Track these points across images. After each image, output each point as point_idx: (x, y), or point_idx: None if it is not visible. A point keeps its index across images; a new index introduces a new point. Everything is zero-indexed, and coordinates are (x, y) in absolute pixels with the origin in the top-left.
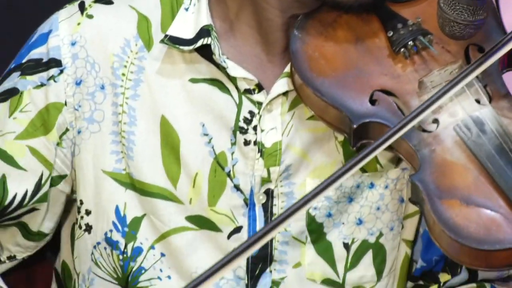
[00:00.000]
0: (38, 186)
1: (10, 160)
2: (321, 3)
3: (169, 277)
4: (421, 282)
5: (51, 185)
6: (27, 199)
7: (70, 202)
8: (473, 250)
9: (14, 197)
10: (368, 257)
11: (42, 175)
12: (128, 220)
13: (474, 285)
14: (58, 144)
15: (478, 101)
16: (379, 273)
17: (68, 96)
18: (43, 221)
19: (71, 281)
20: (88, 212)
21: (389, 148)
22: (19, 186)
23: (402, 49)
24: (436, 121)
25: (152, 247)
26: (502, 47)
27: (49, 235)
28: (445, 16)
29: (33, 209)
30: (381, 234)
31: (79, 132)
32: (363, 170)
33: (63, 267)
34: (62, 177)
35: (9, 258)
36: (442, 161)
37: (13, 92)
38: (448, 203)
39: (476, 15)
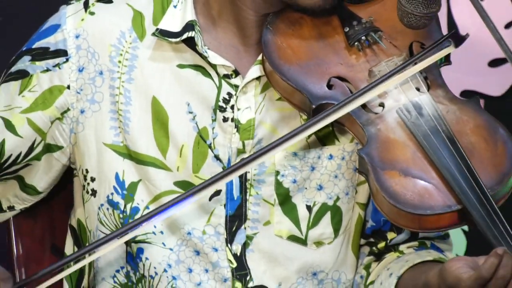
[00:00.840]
0: (31, 149)
1: (12, 129)
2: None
3: (161, 232)
4: (371, 240)
5: (48, 151)
6: (20, 158)
7: (75, 170)
8: (409, 214)
9: (9, 157)
10: (327, 218)
11: (35, 140)
12: (126, 185)
13: (416, 243)
14: (59, 119)
15: (418, 89)
16: (336, 231)
17: (71, 81)
18: (36, 176)
19: (86, 236)
20: (93, 179)
21: (342, 125)
22: (14, 149)
23: (356, 43)
24: (382, 104)
25: (147, 207)
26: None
27: (43, 193)
28: (404, 9)
29: (27, 165)
30: (338, 198)
31: (82, 111)
32: (323, 143)
33: (79, 224)
34: (58, 148)
35: (9, 208)
36: (386, 138)
37: (24, 74)
38: (389, 174)
39: (430, 8)
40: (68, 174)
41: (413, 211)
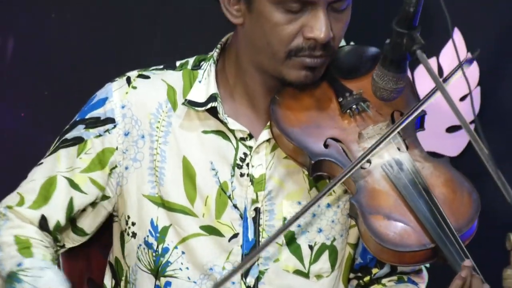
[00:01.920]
0: (93, 204)
1: (76, 187)
2: None
3: (187, 268)
4: (359, 274)
5: (102, 200)
6: (79, 212)
7: (116, 217)
8: (391, 251)
9: (77, 211)
10: (325, 255)
11: (97, 197)
12: (159, 228)
13: (395, 277)
14: (109, 175)
15: (399, 149)
16: (333, 266)
17: (119, 143)
18: (86, 221)
19: (123, 271)
20: (133, 224)
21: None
22: (81, 205)
23: (348, 111)
24: (369, 161)
25: (175, 247)
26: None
27: (89, 235)
28: (377, 84)
29: (83, 209)
30: (334, 239)
31: (126, 168)
32: None
33: (116, 261)
34: (106, 197)
35: (61, 247)
36: (372, 189)
37: (80, 140)
38: (375, 218)
39: (398, 84)
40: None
41: (394, 248)
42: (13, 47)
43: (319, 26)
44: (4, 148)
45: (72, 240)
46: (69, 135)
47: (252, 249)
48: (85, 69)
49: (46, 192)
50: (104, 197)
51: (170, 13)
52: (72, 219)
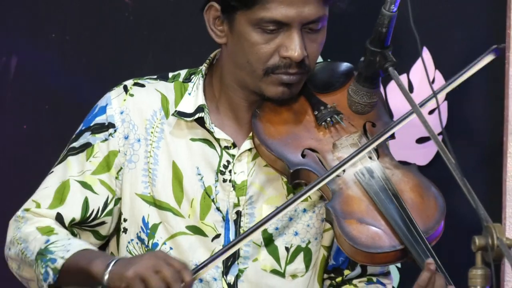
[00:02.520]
0: (106, 204)
1: (89, 188)
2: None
3: None
4: (332, 275)
5: (115, 205)
6: (99, 213)
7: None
8: (363, 252)
9: (92, 212)
10: (300, 256)
11: (108, 197)
12: (150, 225)
13: (365, 278)
14: (116, 177)
15: (370, 158)
16: (307, 267)
17: (120, 146)
18: (109, 229)
19: None
20: (125, 220)
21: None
22: (94, 204)
23: (323, 123)
24: (343, 170)
25: (164, 243)
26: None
27: (106, 237)
28: (352, 99)
29: (103, 222)
30: (309, 242)
31: (121, 168)
32: None
33: (111, 255)
34: (119, 199)
35: None
36: (346, 195)
37: (88, 145)
38: (349, 222)
39: (371, 98)
40: None
41: (367, 250)
42: (16, 64)
43: (293, 46)
44: (7, 157)
45: (94, 244)
46: (76, 144)
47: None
48: (82, 86)
49: (61, 195)
50: (118, 200)
51: (162, 32)
52: (90, 225)
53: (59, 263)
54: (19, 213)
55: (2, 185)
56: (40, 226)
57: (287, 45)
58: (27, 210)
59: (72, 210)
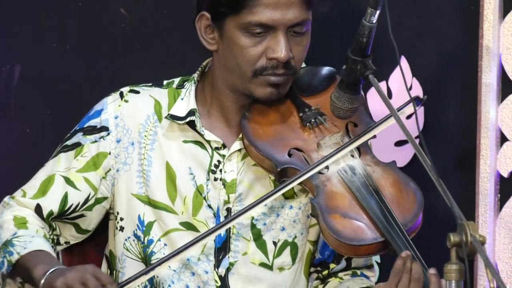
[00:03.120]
0: (86, 200)
1: (71, 184)
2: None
3: None
4: (318, 268)
5: (97, 202)
6: (78, 207)
7: (112, 215)
8: (347, 245)
9: (70, 206)
10: (287, 250)
11: (89, 194)
12: (145, 223)
13: (350, 271)
14: (103, 177)
15: (352, 156)
16: (294, 260)
17: (111, 149)
18: (88, 222)
19: (115, 261)
20: (122, 219)
21: (300, 182)
22: (74, 199)
23: (308, 124)
24: (327, 167)
25: (159, 239)
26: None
27: (89, 232)
28: (335, 105)
29: (82, 215)
30: (295, 237)
31: (117, 170)
32: (285, 197)
33: (110, 254)
34: (104, 198)
35: (66, 243)
36: (330, 191)
37: (78, 145)
38: (333, 216)
39: (353, 104)
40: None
41: (350, 242)
42: (20, 72)
43: (279, 47)
44: (11, 159)
45: (76, 238)
46: (69, 142)
47: (224, 244)
48: (82, 92)
49: (45, 187)
50: (101, 199)
51: (156, 42)
52: (70, 217)
53: (15, 257)
54: (6, 199)
55: (6, 185)
56: (17, 215)
57: (274, 47)
58: (13, 197)
59: (51, 203)
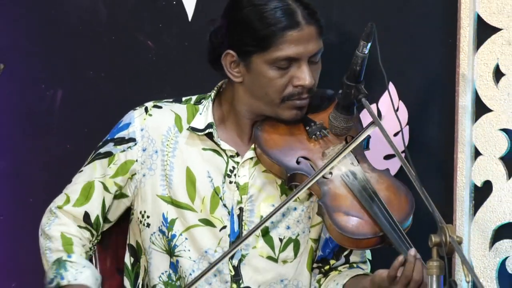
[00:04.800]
0: (114, 196)
1: (106, 189)
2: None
3: (189, 250)
4: (320, 264)
5: (121, 197)
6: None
7: (133, 210)
8: (350, 238)
9: (108, 207)
10: (291, 246)
11: (116, 191)
12: (169, 220)
13: (347, 265)
14: (129, 178)
15: (352, 164)
16: (296, 254)
17: (138, 157)
18: (114, 215)
19: (141, 251)
20: (148, 217)
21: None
22: (108, 201)
23: (313, 136)
24: (331, 173)
25: (181, 234)
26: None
27: (111, 223)
28: (332, 124)
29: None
30: (298, 234)
31: (144, 175)
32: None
33: (137, 244)
34: (126, 196)
35: (97, 239)
36: (334, 193)
37: (110, 154)
38: (337, 214)
39: (348, 123)
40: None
41: (352, 236)
42: (61, 96)
43: (304, 75)
44: (54, 171)
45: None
46: (102, 150)
47: (237, 238)
48: (114, 112)
49: (87, 193)
50: (124, 195)
51: (177, 69)
52: (106, 215)
53: (64, 283)
54: (52, 208)
55: (49, 195)
56: (65, 233)
57: (299, 76)
58: (59, 207)
59: (96, 208)
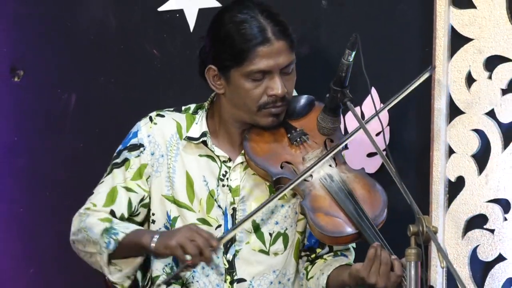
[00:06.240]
0: (142, 199)
1: (131, 191)
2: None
3: None
4: (307, 253)
5: (149, 201)
6: (138, 206)
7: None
8: (329, 236)
9: (135, 207)
10: (280, 240)
11: (144, 195)
12: (172, 217)
13: (332, 253)
14: (146, 181)
15: (330, 166)
16: (285, 247)
17: (148, 160)
18: (141, 218)
19: None
20: (153, 214)
21: (291, 189)
22: (135, 201)
23: (295, 142)
24: (311, 176)
25: None
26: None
27: (142, 225)
28: (320, 125)
29: (139, 213)
30: (286, 229)
31: (151, 177)
32: (278, 199)
33: None
34: (149, 197)
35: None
36: (314, 195)
37: (126, 160)
38: (317, 215)
39: (335, 124)
40: None
41: (331, 235)
42: (75, 99)
43: (276, 86)
44: (68, 167)
45: None
46: (118, 160)
47: (229, 230)
48: (123, 114)
49: (112, 197)
50: (148, 197)
51: (180, 76)
52: (132, 215)
53: (121, 235)
54: (81, 211)
55: (64, 190)
56: (101, 217)
57: (272, 86)
58: (87, 208)
59: (121, 208)
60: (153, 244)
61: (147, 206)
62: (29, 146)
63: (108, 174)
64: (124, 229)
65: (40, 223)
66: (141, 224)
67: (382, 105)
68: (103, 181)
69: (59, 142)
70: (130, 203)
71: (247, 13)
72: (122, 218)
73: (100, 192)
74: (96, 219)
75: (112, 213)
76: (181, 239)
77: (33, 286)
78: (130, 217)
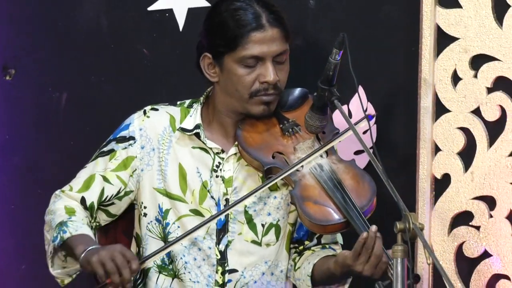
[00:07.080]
0: (118, 192)
1: (107, 181)
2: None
3: None
4: (296, 245)
5: (125, 195)
6: (111, 198)
7: (136, 205)
8: (317, 225)
9: (106, 197)
10: (272, 231)
11: (120, 188)
12: (163, 210)
13: (320, 246)
14: (130, 175)
15: (321, 156)
16: (277, 238)
17: (137, 153)
18: (117, 210)
19: (140, 240)
20: (145, 207)
21: (282, 178)
22: (108, 192)
23: (287, 133)
24: (302, 166)
25: (174, 223)
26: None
27: (116, 216)
28: (308, 123)
29: (112, 203)
30: (279, 220)
31: (142, 170)
32: (271, 189)
33: (137, 235)
34: (131, 192)
35: (96, 223)
36: (304, 184)
37: (112, 151)
38: (307, 204)
39: (322, 122)
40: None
41: (320, 223)
42: (66, 98)
43: (268, 73)
44: (59, 164)
45: (105, 220)
46: (105, 149)
47: (223, 226)
48: (114, 113)
49: (87, 184)
50: (129, 192)
51: (172, 75)
52: (103, 205)
53: (66, 235)
54: (57, 192)
55: (55, 186)
56: (67, 205)
57: (264, 74)
58: (62, 191)
59: (92, 196)
60: (82, 256)
61: (128, 200)
62: (21, 144)
63: (92, 160)
64: (74, 229)
65: (32, 220)
66: (118, 215)
67: (368, 103)
68: (86, 167)
69: (50, 140)
70: (102, 193)
71: (243, 1)
72: (91, 207)
73: (80, 177)
74: (63, 206)
75: (83, 200)
76: (102, 257)
77: (25, 283)
78: (101, 207)
